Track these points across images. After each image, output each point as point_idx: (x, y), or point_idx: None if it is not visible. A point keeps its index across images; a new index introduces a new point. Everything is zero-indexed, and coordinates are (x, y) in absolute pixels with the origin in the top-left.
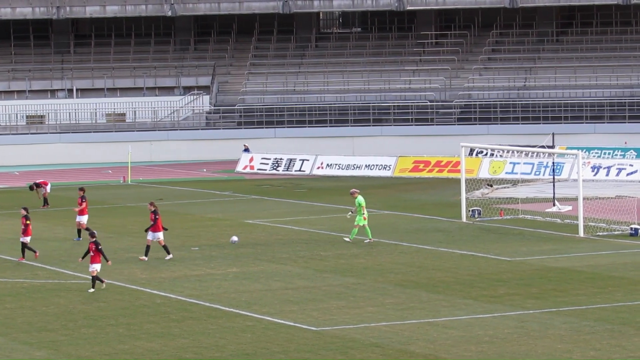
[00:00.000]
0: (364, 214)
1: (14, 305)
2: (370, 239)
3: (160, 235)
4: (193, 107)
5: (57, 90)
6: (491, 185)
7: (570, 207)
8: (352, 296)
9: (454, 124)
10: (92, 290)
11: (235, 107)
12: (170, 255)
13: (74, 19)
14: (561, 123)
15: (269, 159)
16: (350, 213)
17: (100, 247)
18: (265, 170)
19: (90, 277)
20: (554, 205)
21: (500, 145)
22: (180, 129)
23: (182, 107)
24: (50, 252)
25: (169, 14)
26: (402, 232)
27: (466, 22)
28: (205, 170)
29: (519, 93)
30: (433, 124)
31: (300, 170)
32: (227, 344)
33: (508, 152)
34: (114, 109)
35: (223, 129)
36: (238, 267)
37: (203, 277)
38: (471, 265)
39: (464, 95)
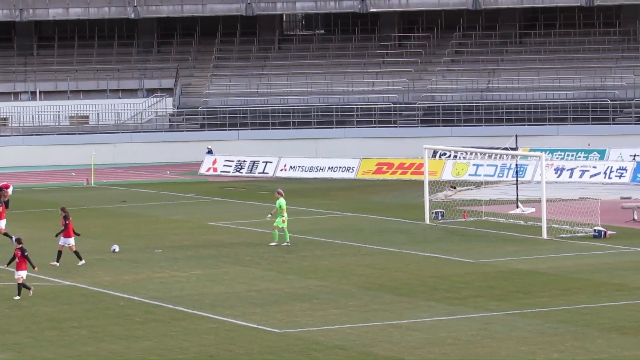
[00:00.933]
0: (283, 216)
1: None
2: (287, 242)
3: (72, 240)
4: (156, 109)
5: (20, 92)
6: (454, 187)
7: (533, 209)
8: (316, 298)
9: (417, 126)
10: (17, 297)
11: (199, 109)
12: (83, 261)
13: (37, 21)
14: (524, 125)
15: (232, 161)
16: (269, 215)
17: (26, 254)
18: (229, 172)
19: (18, 284)
20: (517, 207)
21: (463, 147)
22: (143, 131)
23: (145, 109)
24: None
25: (132, 16)
26: (366, 234)
27: (429, 24)
28: (168, 172)
29: (482, 95)
30: (396, 126)
31: (263, 173)
32: (191, 345)
33: (471, 154)
34: (77, 111)
35: (186, 131)
36: (201, 269)
37: (166, 279)
38: (435, 267)
39: (427, 97)
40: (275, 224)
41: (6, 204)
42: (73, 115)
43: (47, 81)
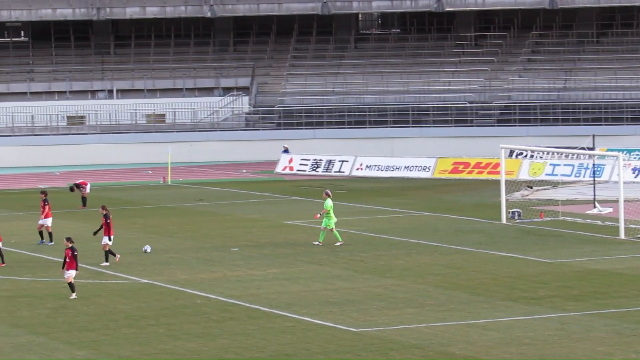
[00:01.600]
0: (331, 216)
1: (55, 305)
2: (319, 242)
3: (107, 239)
4: (232, 107)
5: (97, 91)
6: (531, 187)
7: (611, 209)
8: (392, 297)
9: (494, 126)
10: (74, 296)
11: (275, 108)
12: (107, 263)
13: (114, 20)
14: (602, 125)
15: (309, 160)
16: (318, 215)
17: (76, 254)
18: (305, 171)
19: (69, 284)
20: (594, 207)
21: (540, 147)
22: (219, 130)
23: (221, 108)
24: (91, 253)
25: (209, 15)
26: (442, 234)
27: (505, 23)
28: (244, 171)
29: (559, 94)
30: (472, 125)
31: (339, 172)
32: (268, 344)
33: (548, 153)
34: (154, 109)
35: (262, 129)
36: (278, 267)
37: (243, 278)
38: (511, 267)
39: (504, 97)
40: (323, 225)
41: (84, 201)
42: (150, 113)
43: (124, 80)
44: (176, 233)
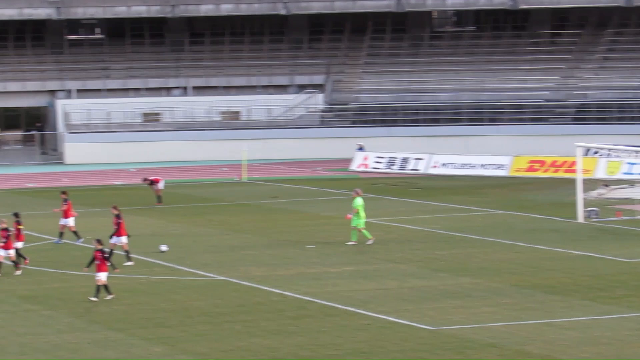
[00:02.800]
0: (361, 215)
1: (132, 302)
2: (352, 242)
3: (124, 239)
4: (307, 105)
5: (172, 88)
6: (607, 186)
7: None
8: (468, 296)
9: (570, 124)
10: (108, 297)
11: (349, 106)
12: (131, 262)
13: (189, 17)
14: None
15: (384, 157)
16: (349, 215)
17: (106, 255)
18: (380, 168)
19: (97, 286)
20: None
21: (616, 145)
22: (294, 127)
23: (296, 105)
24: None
25: (283, 12)
26: (518, 232)
27: (581, 21)
28: (319, 168)
29: (636, 93)
30: (548, 124)
31: (414, 169)
32: (344, 342)
33: (625, 152)
34: (229, 107)
35: (337, 127)
36: (354, 265)
37: (319, 275)
38: (588, 266)
39: (580, 95)
40: (354, 224)
41: (159, 198)
42: (224, 110)
43: (199, 77)
44: (251, 230)
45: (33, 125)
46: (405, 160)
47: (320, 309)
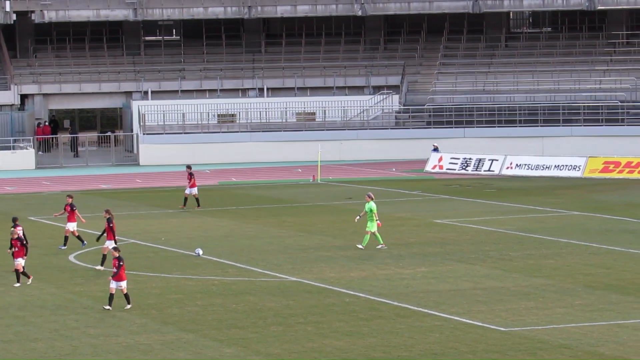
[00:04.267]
0: (377, 220)
1: (205, 303)
2: (361, 246)
3: (112, 243)
4: (382, 106)
5: (248, 89)
6: None
7: None
8: (541, 297)
9: None
10: (108, 307)
11: (425, 107)
12: (101, 267)
13: (265, 18)
14: None
15: (458, 158)
16: (358, 217)
17: (121, 263)
18: (454, 170)
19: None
20: None
21: None
22: (369, 129)
23: (371, 106)
24: (241, 250)
25: (359, 13)
26: (592, 233)
27: None
28: (394, 169)
29: None
30: (624, 125)
31: (489, 170)
32: (416, 343)
33: None
34: (304, 108)
35: (412, 128)
36: (426, 266)
37: (391, 277)
38: None
39: None
40: (367, 229)
41: (197, 201)
42: (300, 112)
43: (275, 78)
44: (325, 231)
45: (108, 127)
46: (480, 161)
47: (392, 310)
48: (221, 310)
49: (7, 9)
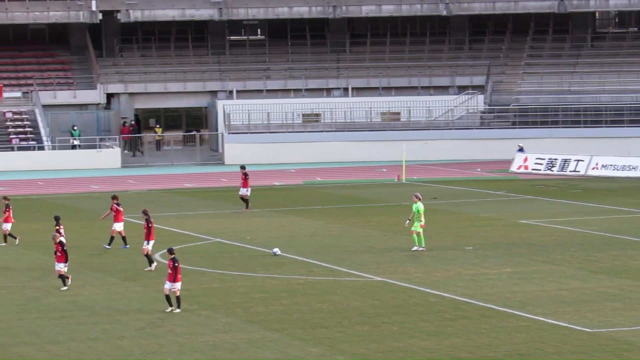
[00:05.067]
0: (421, 221)
1: (290, 302)
2: (422, 247)
3: (151, 244)
4: (467, 106)
5: (332, 88)
6: None
7: None
8: (628, 298)
9: None
10: (176, 309)
11: (510, 107)
12: (151, 267)
13: (349, 18)
14: None
15: (544, 159)
16: (408, 221)
17: (177, 265)
18: (540, 170)
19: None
20: None
21: None
22: (454, 129)
23: (456, 106)
24: (326, 249)
25: (444, 13)
26: None
27: None
28: (479, 169)
29: None
30: None
31: (574, 171)
32: (501, 343)
33: None
34: (389, 107)
35: (497, 128)
36: (512, 267)
37: (477, 277)
38: None
39: None
40: (412, 229)
41: (246, 203)
42: (385, 111)
43: (359, 77)
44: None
45: (193, 126)
46: (565, 161)
47: (477, 310)
48: (306, 309)
49: (93, 8)
